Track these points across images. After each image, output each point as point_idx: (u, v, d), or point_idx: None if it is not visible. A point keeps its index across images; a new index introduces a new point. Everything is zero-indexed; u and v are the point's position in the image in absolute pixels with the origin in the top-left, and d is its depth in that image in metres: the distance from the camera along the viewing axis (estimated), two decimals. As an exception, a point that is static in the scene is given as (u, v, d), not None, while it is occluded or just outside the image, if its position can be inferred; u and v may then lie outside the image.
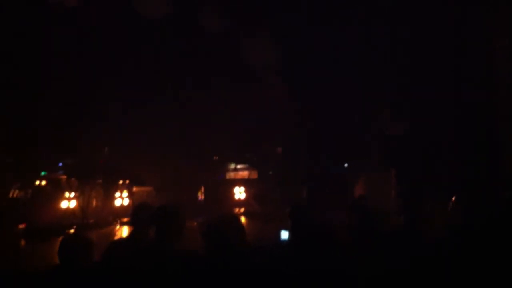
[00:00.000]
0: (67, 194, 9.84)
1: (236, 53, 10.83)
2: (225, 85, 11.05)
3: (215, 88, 11.24)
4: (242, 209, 10.67)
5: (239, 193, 11.23)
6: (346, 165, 11.70)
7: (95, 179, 10.34)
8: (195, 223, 7.26)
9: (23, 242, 8.45)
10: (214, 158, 11.54)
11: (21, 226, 8.91)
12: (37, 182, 10.34)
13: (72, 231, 8.84)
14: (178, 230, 3.86)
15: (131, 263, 3.73)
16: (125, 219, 9.77)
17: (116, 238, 6.56)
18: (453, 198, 4.70)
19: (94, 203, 10.25)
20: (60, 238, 3.74)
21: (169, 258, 3.45)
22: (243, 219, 9.05)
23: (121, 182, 10.64)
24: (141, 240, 4.20)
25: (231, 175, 11.38)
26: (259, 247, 4.00)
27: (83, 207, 9.85)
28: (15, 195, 9.87)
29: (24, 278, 3.39)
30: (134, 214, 4.47)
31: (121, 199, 10.46)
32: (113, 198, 10.32)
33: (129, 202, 10.36)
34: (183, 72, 10.94)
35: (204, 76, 10.92)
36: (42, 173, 10.26)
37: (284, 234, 5.43)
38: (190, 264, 3.49)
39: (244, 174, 11.29)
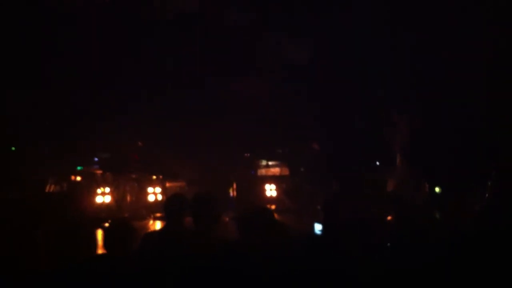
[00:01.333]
0: (102, 189, 10.03)
1: (266, 47, 10.88)
2: (256, 80, 11.11)
3: (247, 82, 11.32)
4: (273, 207, 10.69)
5: (270, 190, 11.26)
6: (377, 162, 11.68)
7: (130, 173, 10.50)
8: (227, 218, 7.30)
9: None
10: (246, 155, 11.57)
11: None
12: (73, 177, 10.59)
13: (107, 225, 9.00)
14: (215, 218, 3.93)
15: (168, 252, 3.78)
16: (158, 214, 9.92)
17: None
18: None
19: (128, 197, 10.42)
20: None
21: (207, 245, 3.48)
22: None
23: (154, 177, 10.78)
24: (175, 230, 4.27)
25: (262, 171, 11.40)
26: (294, 238, 4.03)
27: (117, 201, 10.01)
28: (51, 190, 10.08)
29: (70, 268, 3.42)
30: (168, 204, 4.55)
31: (154, 195, 10.61)
32: (146, 193, 10.46)
33: (162, 198, 10.50)
34: (215, 66, 11.04)
35: (235, 70, 11.00)
36: (78, 168, 10.46)
37: (318, 227, 5.44)
38: (228, 252, 3.53)
39: (276, 170, 11.31)
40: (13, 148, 9.81)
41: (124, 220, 3.86)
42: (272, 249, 3.50)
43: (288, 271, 3.30)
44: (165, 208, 4.51)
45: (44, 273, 3.39)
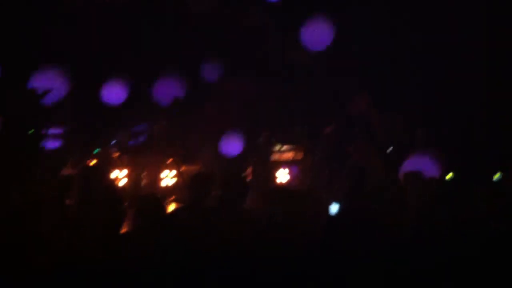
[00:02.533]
0: (118, 171, 10.15)
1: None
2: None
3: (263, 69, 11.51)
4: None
5: (283, 174, 11.33)
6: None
7: (147, 156, 10.63)
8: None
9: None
10: (265, 133, 11.53)
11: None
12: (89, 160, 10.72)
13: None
14: (245, 192, 4.08)
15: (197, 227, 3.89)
16: (173, 197, 10.06)
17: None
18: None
19: (144, 180, 10.55)
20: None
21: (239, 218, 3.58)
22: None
23: (170, 160, 10.90)
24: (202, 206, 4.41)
25: (275, 156, 11.46)
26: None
27: (134, 184, 10.14)
28: (67, 172, 10.20)
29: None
30: (193, 182, 4.70)
31: (169, 178, 10.74)
32: (161, 176, 10.59)
33: (178, 181, 10.62)
34: (234, 50, 11.20)
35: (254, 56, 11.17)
36: (96, 151, 10.59)
37: (335, 207, 5.56)
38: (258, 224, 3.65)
39: (289, 155, 11.38)
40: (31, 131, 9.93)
41: (154, 196, 4.00)
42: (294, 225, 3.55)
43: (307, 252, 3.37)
44: (191, 185, 4.66)
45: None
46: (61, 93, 9.63)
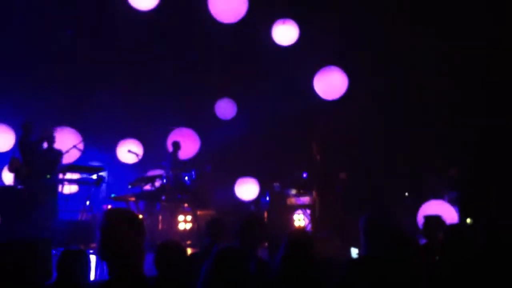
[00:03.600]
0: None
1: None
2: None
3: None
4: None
5: (298, 220, 11.30)
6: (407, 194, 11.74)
7: (163, 202, 10.65)
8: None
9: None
10: (275, 183, 11.69)
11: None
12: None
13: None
14: (260, 240, 4.06)
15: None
16: (189, 242, 10.01)
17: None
18: None
19: (160, 225, 10.53)
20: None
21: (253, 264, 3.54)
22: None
23: (186, 205, 10.91)
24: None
25: (292, 200, 11.45)
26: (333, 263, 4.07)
27: (150, 229, 10.10)
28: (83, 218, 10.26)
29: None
30: (211, 227, 4.70)
31: (185, 223, 10.71)
32: (177, 221, 10.57)
33: (193, 226, 10.59)
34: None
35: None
36: (112, 195, 10.62)
37: (354, 251, 5.50)
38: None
39: (305, 199, 11.36)
40: (48, 176, 10.02)
41: (175, 241, 3.98)
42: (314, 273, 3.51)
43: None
44: (209, 231, 4.66)
45: None
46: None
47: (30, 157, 9.00)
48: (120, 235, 2.67)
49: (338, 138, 11.82)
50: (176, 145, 11.62)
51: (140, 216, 9.90)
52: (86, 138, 11.34)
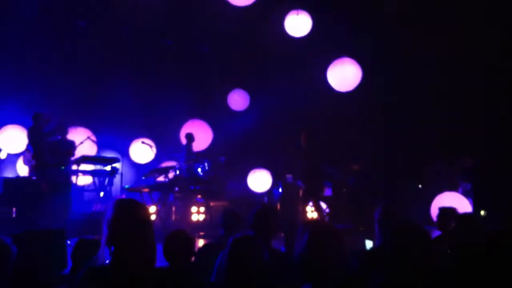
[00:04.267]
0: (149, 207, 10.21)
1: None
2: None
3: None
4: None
5: (311, 211, 11.28)
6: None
7: (176, 193, 10.70)
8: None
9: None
10: (287, 175, 11.69)
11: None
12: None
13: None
14: (273, 231, 4.07)
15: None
16: (202, 233, 10.05)
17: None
18: None
19: (173, 216, 10.59)
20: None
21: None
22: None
23: (199, 196, 10.95)
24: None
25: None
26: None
27: (163, 220, 10.17)
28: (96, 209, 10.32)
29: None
30: (226, 218, 4.71)
31: (198, 214, 10.74)
32: (190, 212, 10.61)
33: (206, 217, 10.63)
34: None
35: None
36: (126, 186, 10.68)
37: (369, 244, 5.47)
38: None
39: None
40: (62, 167, 10.09)
41: (183, 231, 3.99)
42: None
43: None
44: (223, 222, 4.67)
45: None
46: None
47: (41, 147, 9.05)
48: (121, 226, 2.68)
49: (346, 129, 11.81)
50: (190, 137, 11.68)
51: (153, 208, 10.06)
52: (100, 130, 11.42)
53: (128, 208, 2.78)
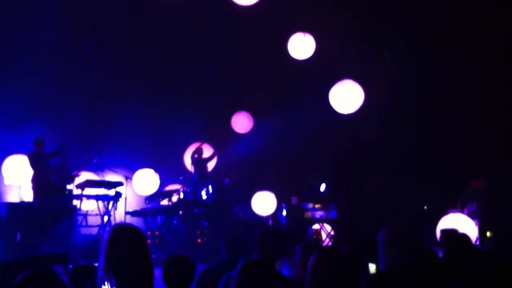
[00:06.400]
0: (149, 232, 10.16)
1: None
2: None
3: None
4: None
5: (315, 232, 11.24)
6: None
7: (180, 216, 10.67)
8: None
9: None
10: (292, 197, 11.63)
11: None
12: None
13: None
14: (280, 251, 4.03)
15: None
16: (205, 256, 9.96)
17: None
18: None
19: (177, 240, 10.52)
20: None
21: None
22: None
23: (203, 219, 10.89)
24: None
25: (309, 214, 11.37)
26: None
27: (167, 243, 10.11)
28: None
29: None
30: (227, 241, 4.67)
31: (202, 237, 10.65)
32: (195, 235, 10.55)
33: (210, 240, 10.54)
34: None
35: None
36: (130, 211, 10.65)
37: (372, 267, 5.41)
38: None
39: (322, 213, 11.28)
40: (66, 192, 10.10)
41: (184, 256, 3.94)
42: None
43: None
44: (225, 245, 4.63)
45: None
46: None
47: (42, 170, 9.04)
48: (116, 251, 2.67)
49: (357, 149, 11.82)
50: (199, 151, 11.79)
51: (155, 233, 10.01)
52: (104, 153, 11.44)
53: (122, 234, 2.77)
